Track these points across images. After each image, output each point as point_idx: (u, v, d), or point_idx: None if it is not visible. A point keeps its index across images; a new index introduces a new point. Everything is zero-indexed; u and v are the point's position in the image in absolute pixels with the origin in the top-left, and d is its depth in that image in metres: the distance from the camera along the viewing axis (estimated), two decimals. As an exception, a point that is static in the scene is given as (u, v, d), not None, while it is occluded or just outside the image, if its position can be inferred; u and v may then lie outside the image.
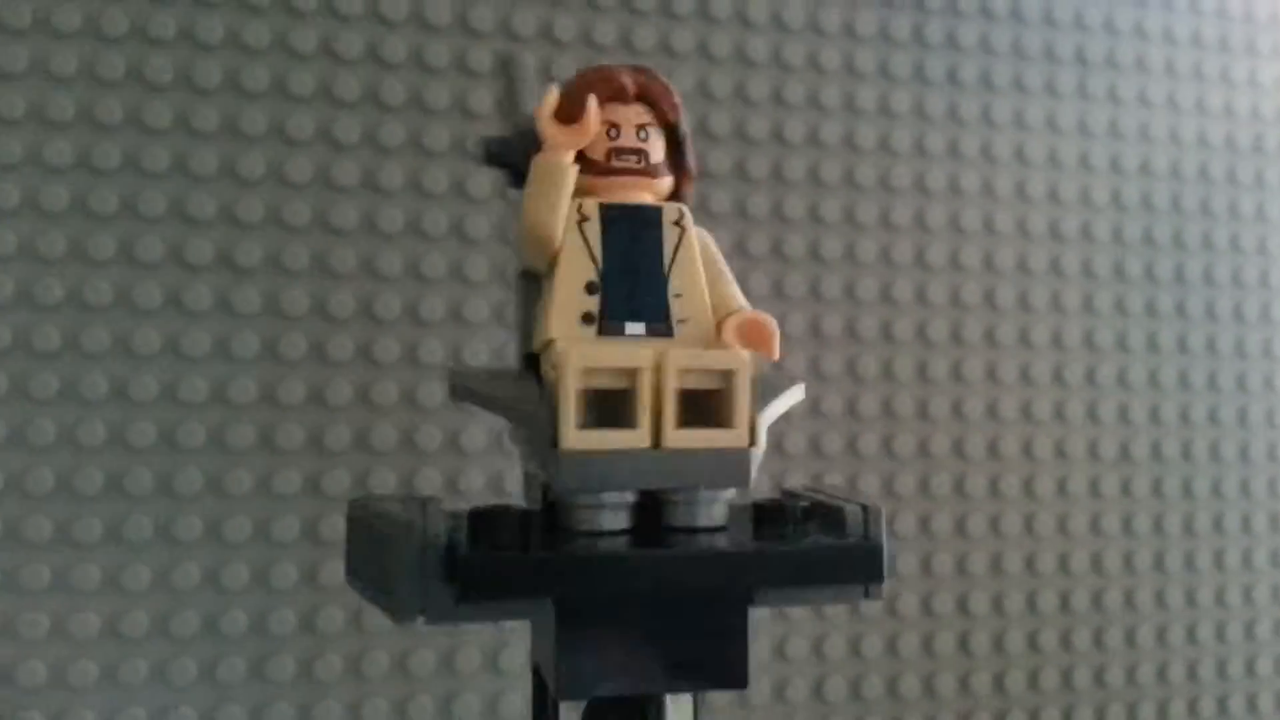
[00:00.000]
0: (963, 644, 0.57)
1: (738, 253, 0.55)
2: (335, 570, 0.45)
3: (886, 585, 0.28)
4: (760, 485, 0.29)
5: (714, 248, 0.31)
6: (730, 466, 0.27)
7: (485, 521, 0.27)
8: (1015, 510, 0.59)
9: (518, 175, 0.32)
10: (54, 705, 0.45)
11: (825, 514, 0.29)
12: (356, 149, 0.50)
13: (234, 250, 0.49)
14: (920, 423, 0.57)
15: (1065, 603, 0.59)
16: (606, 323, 0.29)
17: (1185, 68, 0.64)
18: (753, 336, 0.29)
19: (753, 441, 0.28)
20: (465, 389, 0.30)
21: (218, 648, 0.47)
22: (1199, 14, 0.64)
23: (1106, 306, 0.61)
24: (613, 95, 0.31)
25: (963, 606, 0.58)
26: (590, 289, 0.30)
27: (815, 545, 0.27)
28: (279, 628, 0.48)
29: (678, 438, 0.27)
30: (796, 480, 0.54)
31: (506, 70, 0.34)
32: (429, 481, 0.50)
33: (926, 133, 0.59)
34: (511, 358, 0.46)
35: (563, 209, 0.30)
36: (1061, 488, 0.60)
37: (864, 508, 0.28)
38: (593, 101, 0.30)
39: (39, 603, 0.45)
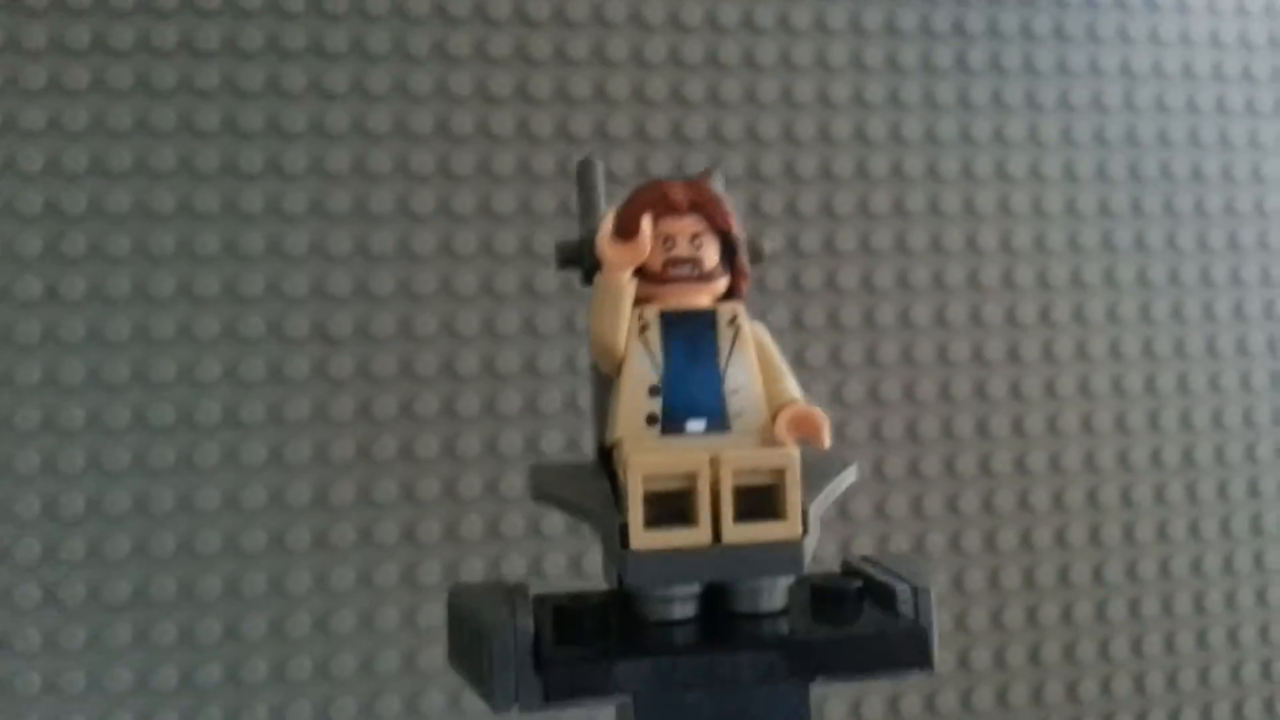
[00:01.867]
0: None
1: (794, 326, 0.57)
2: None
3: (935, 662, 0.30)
4: (825, 549, 0.31)
5: (768, 341, 0.33)
6: (784, 556, 0.29)
7: (569, 616, 0.29)
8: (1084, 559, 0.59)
9: (588, 274, 0.35)
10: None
11: (877, 593, 0.31)
12: (433, 259, 0.54)
13: (327, 362, 0.53)
14: (984, 478, 0.59)
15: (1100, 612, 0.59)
16: (668, 423, 0.31)
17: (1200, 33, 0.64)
18: (804, 429, 0.31)
19: (805, 530, 0.29)
20: (543, 492, 0.33)
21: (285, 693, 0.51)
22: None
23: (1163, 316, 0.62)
24: (666, 210, 0.33)
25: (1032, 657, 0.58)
26: (653, 392, 0.32)
27: (867, 633, 0.29)
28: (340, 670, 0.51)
29: (735, 532, 0.29)
30: (862, 540, 0.56)
31: (581, 176, 0.38)
32: (514, 566, 0.53)
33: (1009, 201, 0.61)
34: (586, 444, 0.49)
35: (623, 322, 0.32)
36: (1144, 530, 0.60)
37: (914, 589, 0.30)
38: (646, 220, 0.32)
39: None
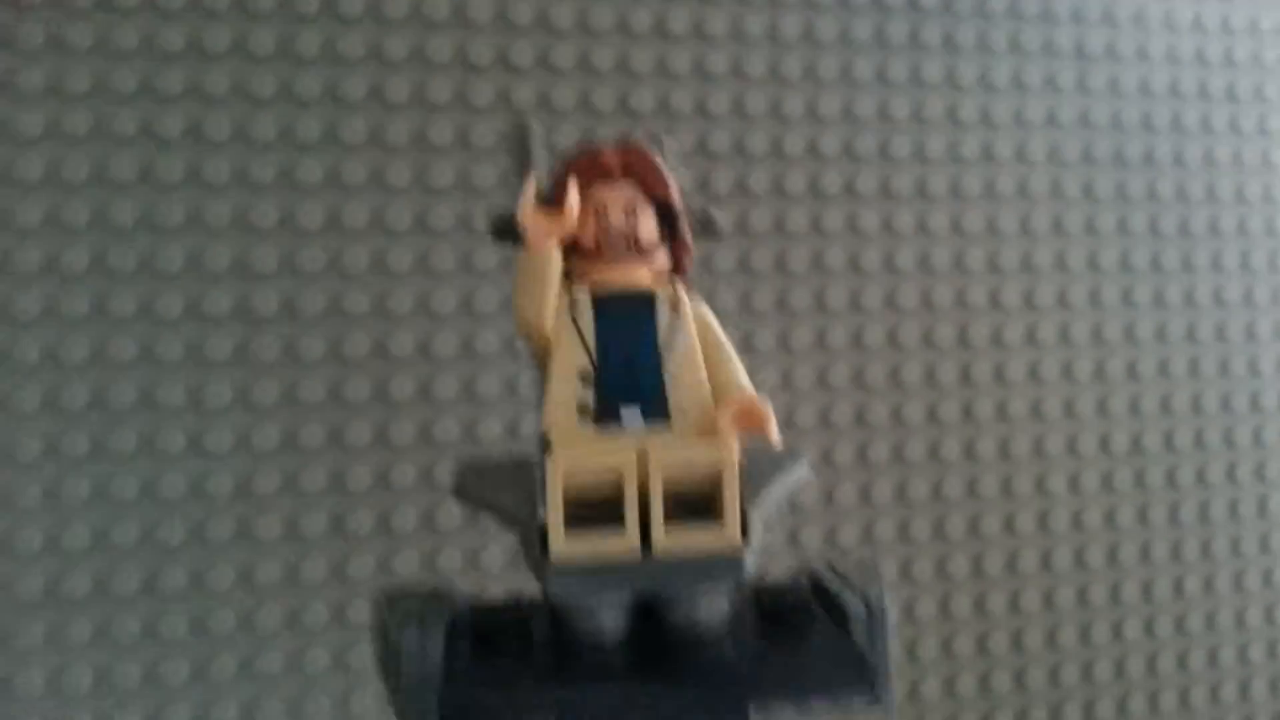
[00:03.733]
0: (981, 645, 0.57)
1: (743, 309, 0.55)
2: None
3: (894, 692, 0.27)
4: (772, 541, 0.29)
5: (714, 324, 0.30)
6: (722, 565, 0.27)
7: (488, 632, 0.27)
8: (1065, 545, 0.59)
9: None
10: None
11: (830, 609, 0.28)
12: (365, 234, 0.51)
13: (251, 343, 0.50)
14: (969, 464, 0.58)
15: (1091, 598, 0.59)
16: (601, 414, 0.28)
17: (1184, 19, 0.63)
18: (748, 422, 0.28)
19: (746, 536, 0.27)
20: (465, 492, 0.30)
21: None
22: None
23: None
24: (597, 175, 0.30)
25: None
26: (584, 379, 0.29)
27: (816, 662, 0.27)
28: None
29: (667, 539, 0.27)
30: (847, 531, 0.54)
31: (517, 140, 0.34)
32: (450, 559, 0.51)
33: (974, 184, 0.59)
34: (525, 431, 0.47)
35: (548, 300, 0.29)
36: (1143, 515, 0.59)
37: (869, 610, 0.27)
38: (573, 187, 0.29)
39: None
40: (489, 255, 0.52)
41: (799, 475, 0.30)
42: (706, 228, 0.32)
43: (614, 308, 0.30)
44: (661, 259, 0.31)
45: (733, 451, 0.27)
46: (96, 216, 0.49)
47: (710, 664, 0.27)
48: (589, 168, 0.30)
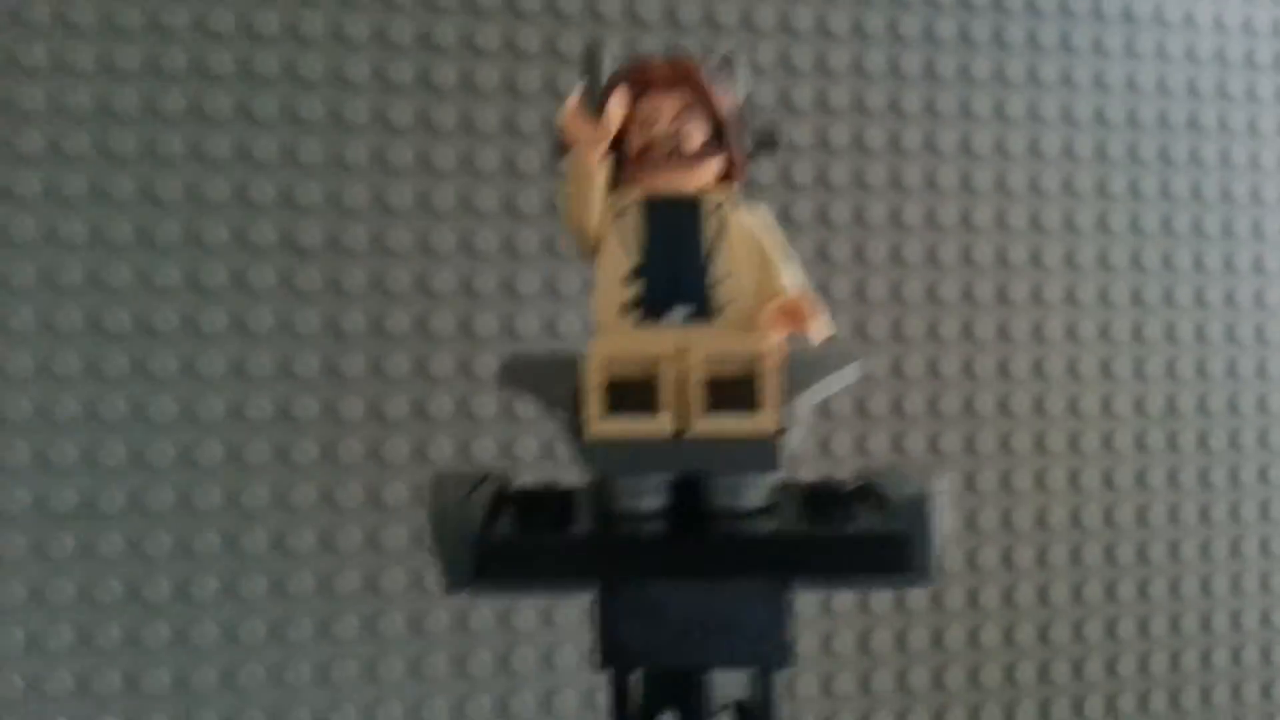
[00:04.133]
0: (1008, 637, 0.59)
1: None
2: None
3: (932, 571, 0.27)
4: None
5: (765, 228, 0.31)
6: (756, 453, 0.28)
7: (530, 503, 0.28)
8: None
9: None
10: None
11: (873, 497, 0.29)
12: (410, 173, 0.52)
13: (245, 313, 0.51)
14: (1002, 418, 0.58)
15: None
16: (645, 312, 0.30)
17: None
18: (790, 319, 0.29)
19: (782, 427, 0.28)
20: (512, 378, 0.32)
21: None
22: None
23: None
24: (647, 84, 0.31)
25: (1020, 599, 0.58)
26: (629, 279, 0.30)
27: (856, 532, 0.27)
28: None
29: (703, 424, 0.28)
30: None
31: (589, 57, 0.35)
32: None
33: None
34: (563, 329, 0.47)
35: (592, 202, 0.30)
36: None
37: (914, 496, 0.28)
38: (616, 97, 0.30)
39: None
40: (532, 158, 0.53)
41: (847, 376, 0.31)
42: (764, 142, 0.32)
43: (661, 213, 0.31)
44: (710, 167, 0.31)
45: (771, 341, 0.28)
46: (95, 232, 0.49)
47: (750, 539, 0.28)
48: (637, 78, 0.31)
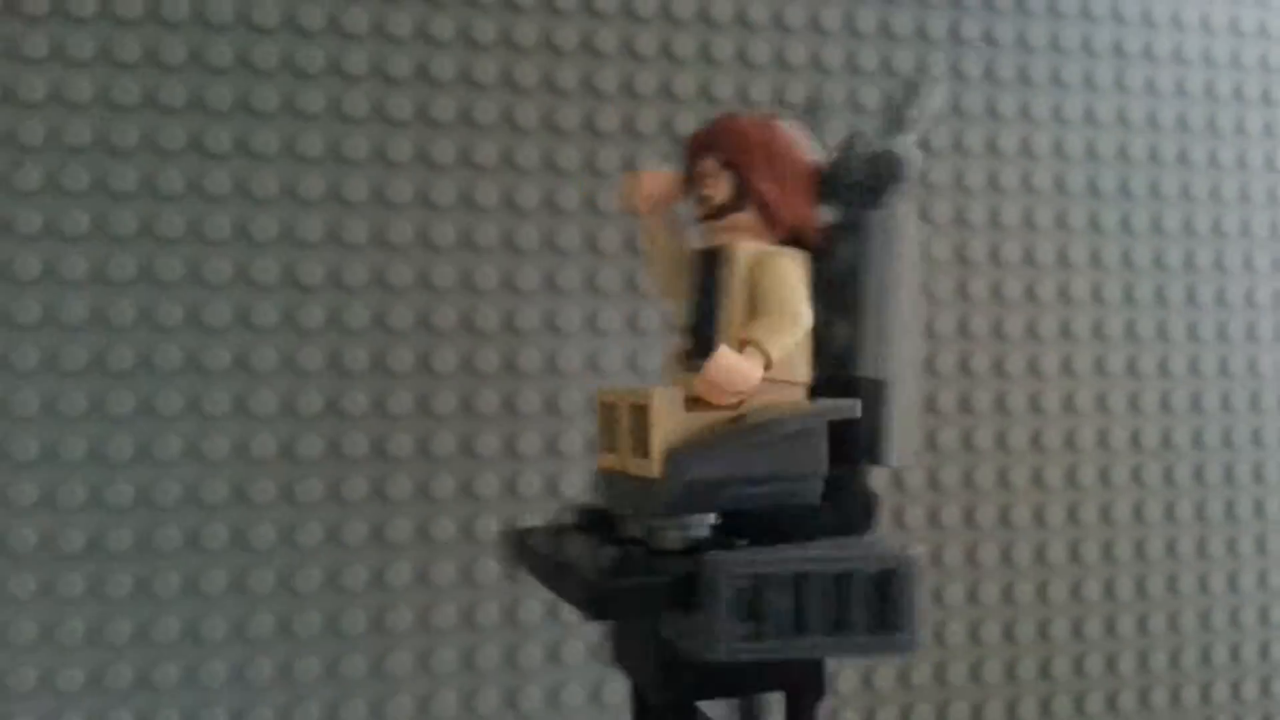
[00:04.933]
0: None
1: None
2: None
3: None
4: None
5: (773, 273, 0.31)
6: (647, 495, 0.30)
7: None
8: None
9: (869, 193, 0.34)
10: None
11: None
12: (494, 250, 0.53)
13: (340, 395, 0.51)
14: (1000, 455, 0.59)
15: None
16: (690, 360, 0.32)
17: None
18: (706, 387, 0.30)
19: (670, 475, 0.29)
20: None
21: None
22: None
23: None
24: (693, 150, 0.34)
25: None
26: (684, 329, 0.34)
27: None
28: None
29: (630, 464, 0.31)
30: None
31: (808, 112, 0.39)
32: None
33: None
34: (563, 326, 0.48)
35: (651, 259, 0.35)
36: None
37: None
38: (666, 164, 0.35)
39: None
40: (531, 154, 0.54)
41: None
42: (888, 170, 0.33)
43: (699, 267, 0.33)
44: (741, 220, 0.33)
45: (659, 394, 0.30)
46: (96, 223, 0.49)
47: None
48: (688, 145, 0.34)
